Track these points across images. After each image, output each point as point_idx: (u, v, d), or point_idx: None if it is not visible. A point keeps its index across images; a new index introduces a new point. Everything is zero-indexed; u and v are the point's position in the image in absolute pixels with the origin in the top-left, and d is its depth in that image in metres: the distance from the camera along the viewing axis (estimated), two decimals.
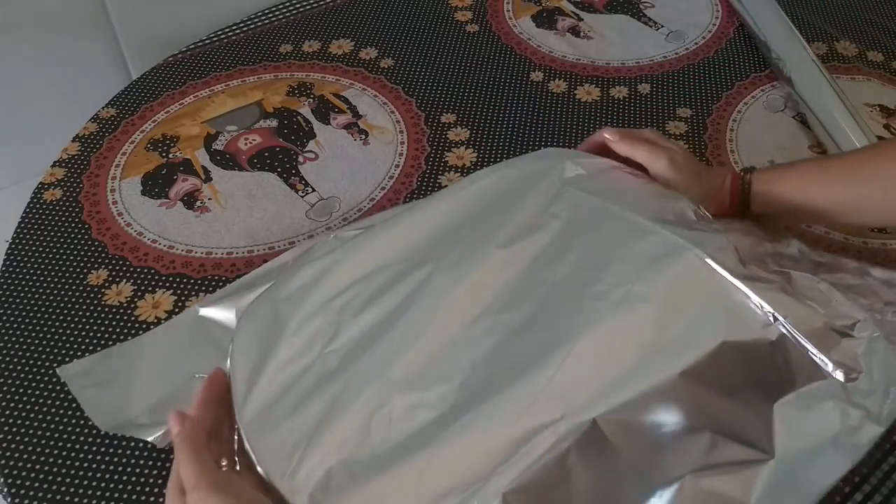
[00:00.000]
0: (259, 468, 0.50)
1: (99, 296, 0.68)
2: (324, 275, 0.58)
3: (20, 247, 0.72)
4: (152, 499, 0.56)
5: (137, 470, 0.57)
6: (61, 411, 0.60)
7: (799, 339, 0.52)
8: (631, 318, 0.52)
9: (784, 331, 0.52)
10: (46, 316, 0.66)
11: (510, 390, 0.50)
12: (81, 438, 0.59)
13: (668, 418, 0.49)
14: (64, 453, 0.58)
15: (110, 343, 0.64)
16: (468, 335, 0.53)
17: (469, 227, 0.60)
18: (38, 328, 0.66)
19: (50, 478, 0.57)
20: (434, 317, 0.55)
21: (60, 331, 0.65)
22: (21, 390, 0.62)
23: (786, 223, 0.71)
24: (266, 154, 0.81)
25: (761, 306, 0.52)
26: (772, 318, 0.52)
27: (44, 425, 0.60)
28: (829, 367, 0.51)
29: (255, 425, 0.51)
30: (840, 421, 0.49)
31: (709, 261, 0.54)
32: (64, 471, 0.57)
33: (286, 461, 0.49)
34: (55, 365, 0.63)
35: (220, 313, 0.63)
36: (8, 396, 0.61)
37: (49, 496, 0.56)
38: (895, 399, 0.50)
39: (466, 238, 0.59)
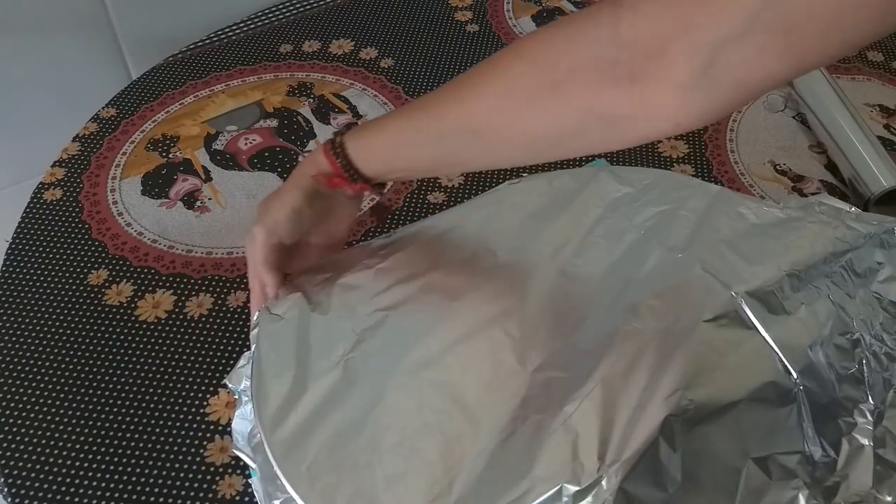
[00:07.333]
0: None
1: (99, 296, 0.68)
2: (360, 280, 0.56)
3: (20, 247, 0.72)
4: (152, 499, 0.56)
5: (138, 470, 0.57)
6: (61, 411, 0.60)
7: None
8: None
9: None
10: (46, 316, 0.67)
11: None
12: (81, 438, 0.59)
13: None
14: (64, 453, 0.58)
15: (110, 343, 0.65)
16: (493, 367, 0.51)
17: (502, 246, 0.58)
18: (38, 328, 0.66)
19: (50, 478, 0.57)
20: (454, 333, 0.52)
21: (60, 331, 0.65)
22: (21, 390, 0.62)
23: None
24: (266, 154, 0.81)
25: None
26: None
27: (44, 425, 0.60)
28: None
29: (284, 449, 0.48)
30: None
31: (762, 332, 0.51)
32: (64, 471, 0.57)
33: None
34: (55, 365, 0.63)
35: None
36: (8, 396, 0.61)
37: (49, 496, 0.56)
38: None
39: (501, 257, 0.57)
